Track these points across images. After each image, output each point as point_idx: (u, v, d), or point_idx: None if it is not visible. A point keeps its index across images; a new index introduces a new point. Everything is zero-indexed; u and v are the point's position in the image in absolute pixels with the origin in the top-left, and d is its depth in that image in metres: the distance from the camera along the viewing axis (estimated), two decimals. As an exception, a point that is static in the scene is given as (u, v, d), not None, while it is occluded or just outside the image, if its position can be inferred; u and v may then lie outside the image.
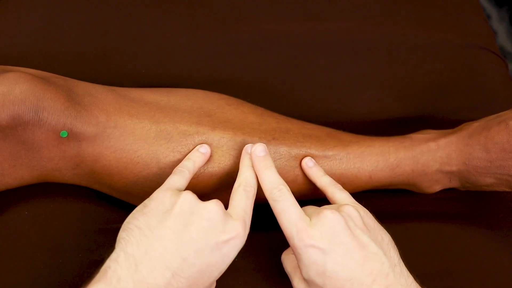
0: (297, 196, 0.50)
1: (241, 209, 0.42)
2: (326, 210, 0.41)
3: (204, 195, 0.47)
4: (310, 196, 0.51)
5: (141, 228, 0.38)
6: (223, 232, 0.39)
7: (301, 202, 0.53)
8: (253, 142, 0.48)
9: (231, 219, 0.41)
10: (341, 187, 0.46)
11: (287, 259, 0.46)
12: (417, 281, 0.41)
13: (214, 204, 0.40)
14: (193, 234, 0.38)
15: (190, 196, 0.40)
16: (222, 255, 0.39)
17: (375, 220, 0.43)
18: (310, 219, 0.41)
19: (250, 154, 0.46)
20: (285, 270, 0.45)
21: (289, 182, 0.49)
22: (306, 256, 0.40)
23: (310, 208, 0.44)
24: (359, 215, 0.42)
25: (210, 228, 0.39)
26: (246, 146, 0.47)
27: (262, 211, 0.49)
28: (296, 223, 0.41)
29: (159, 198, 0.40)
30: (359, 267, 0.39)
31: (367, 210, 0.44)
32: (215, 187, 0.48)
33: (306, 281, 0.41)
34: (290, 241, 0.41)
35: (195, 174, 0.46)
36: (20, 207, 0.50)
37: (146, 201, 0.41)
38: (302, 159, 0.49)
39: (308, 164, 0.49)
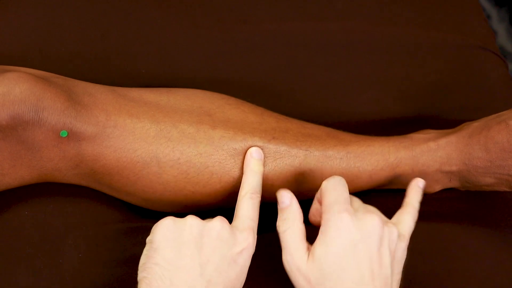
0: (297, 196, 0.51)
1: (247, 218, 0.44)
2: (374, 214, 0.42)
3: (204, 194, 0.48)
4: (311, 196, 0.51)
5: (160, 264, 0.39)
6: (235, 244, 0.41)
7: (302, 202, 0.53)
8: (254, 142, 0.48)
9: (238, 231, 0.42)
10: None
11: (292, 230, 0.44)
12: None
13: (219, 222, 0.42)
14: (209, 255, 0.40)
15: (195, 221, 0.42)
16: (240, 266, 0.41)
17: (403, 256, 0.44)
18: (357, 211, 0.42)
19: (250, 155, 0.47)
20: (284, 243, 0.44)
21: (289, 182, 0.49)
22: (336, 223, 0.41)
23: (358, 202, 0.45)
24: (396, 240, 0.43)
25: (222, 244, 0.41)
26: (250, 149, 0.47)
27: (263, 212, 0.48)
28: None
29: (163, 226, 0.41)
30: (371, 279, 0.40)
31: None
32: (215, 186, 0.48)
33: (312, 256, 0.41)
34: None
35: (195, 173, 0.47)
36: (20, 207, 0.50)
37: (149, 238, 0.42)
38: (302, 158, 0.49)
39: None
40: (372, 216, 0.42)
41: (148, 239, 0.42)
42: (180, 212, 0.50)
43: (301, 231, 0.43)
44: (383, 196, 0.56)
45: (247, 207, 0.44)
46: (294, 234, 0.42)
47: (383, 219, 0.42)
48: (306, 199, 0.51)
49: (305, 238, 0.43)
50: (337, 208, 0.41)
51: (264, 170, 0.48)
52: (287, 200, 0.44)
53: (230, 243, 0.41)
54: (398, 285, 0.43)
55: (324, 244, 0.41)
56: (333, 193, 0.42)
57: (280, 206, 0.44)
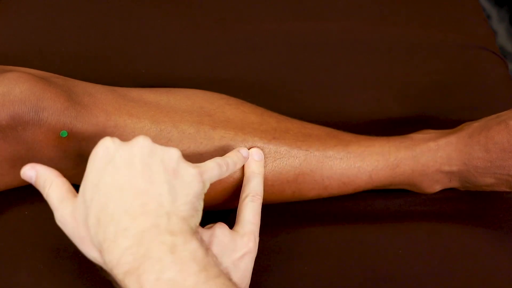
0: (297, 196, 0.51)
1: (248, 222, 0.44)
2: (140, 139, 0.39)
3: (204, 194, 0.48)
4: (311, 197, 0.51)
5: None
6: (234, 250, 0.42)
7: (302, 203, 0.53)
8: (254, 142, 0.48)
9: (238, 236, 0.42)
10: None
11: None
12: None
13: (219, 228, 0.42)
14: None
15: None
16: (241, 271, 0.41)
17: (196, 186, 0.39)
18: None
19: (251, 157, 0.47)
20: (51, 204, 0.40)
21: (289, 182, 0.49)
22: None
23: None
24: (176, 160, 0.39)
25: (223, 250, 0.41)
26: (251, 150, 0.47)
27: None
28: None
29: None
30: (135, 196, 0.36)
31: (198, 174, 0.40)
32: (215, 187, 0.48)
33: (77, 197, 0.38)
34: None
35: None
36: (20, 207, 0.50)
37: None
38: (302, 158, 0.49)
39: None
40: (139, 136, 0.39)
41: None
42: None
43: (61, 185, 0.39)
44: (383, 196, 0.56)
45: (248, 210, 0.45)
46: (56, 190, 0.39)
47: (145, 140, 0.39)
48: (306, 200, 0.52)
49: (71, 191, 0.39)
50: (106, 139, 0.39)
51: (264, 171, 0.48)
52: (31, 173, 0.40)
53: (230, 248, 0.41)
54: (191, 212, 0.38)
55: (84, 176, 0.38)
56: None
57: (31, 181, 0.40)
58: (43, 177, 0.40)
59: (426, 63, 0.65)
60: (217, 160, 0.43)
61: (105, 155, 0.38)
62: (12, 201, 0.50)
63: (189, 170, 0.39)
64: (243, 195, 0.46)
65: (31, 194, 0.51)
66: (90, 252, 0.37)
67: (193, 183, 0.39)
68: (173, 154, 0.39)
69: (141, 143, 0.38)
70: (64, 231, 0.39)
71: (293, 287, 0.49)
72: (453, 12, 0.70)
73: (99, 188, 0.36)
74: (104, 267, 0.37)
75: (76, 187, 0.50)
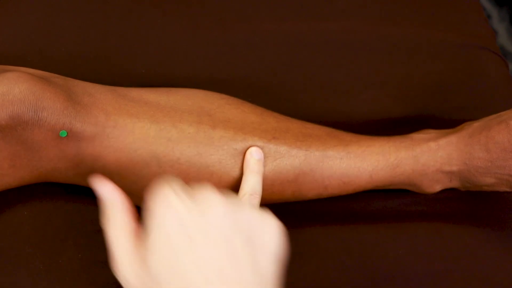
0: (297, 196, 0.51)
1: None
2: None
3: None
4: (311, 197, 0.51)
5: None
6: None
7: (301, 203, 0.53)
8: (254, 142, 0.48)
9: None
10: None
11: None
12: None
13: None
14: None
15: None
16: None
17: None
18: None
19: (250, 156, 0.47)
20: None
21: (289, 182, 0.49)
22: None
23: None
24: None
25: None
26: (250, 149, 0.47)
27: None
28: None
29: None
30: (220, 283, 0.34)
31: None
32: (215, 186, 0.48)
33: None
34: None
35: (195, 173, 0.47)
36: (20, 207, 0.50)
37: None
38: (302, 158, 0.49)
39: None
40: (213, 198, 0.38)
41: None
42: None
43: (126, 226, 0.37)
44: (383, 197, 0.56)
45: None
46: (121, 235, 0.37)
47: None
48: (306, 200, 0.52)
49: (137, 236, 0.37)
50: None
51: (264, 170, 0.48)
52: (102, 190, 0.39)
53: None
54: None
55: (149, 239, 0.35)
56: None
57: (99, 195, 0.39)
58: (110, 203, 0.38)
59: (426, 63, 0.65)
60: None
61: (174, 220, 0.35)
62: (12, 201, 0.50)
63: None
64: (241, 193, 0.46)
65: (31, 194, 0.51)
66: None
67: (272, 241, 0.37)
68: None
69: (216, 210, 0.36)
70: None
71: (293, 287, 0.49)
72: (453, 12, 0.70)
73: (176, 271, 0.33)
74: None
75: (76, 187, 0.51)
